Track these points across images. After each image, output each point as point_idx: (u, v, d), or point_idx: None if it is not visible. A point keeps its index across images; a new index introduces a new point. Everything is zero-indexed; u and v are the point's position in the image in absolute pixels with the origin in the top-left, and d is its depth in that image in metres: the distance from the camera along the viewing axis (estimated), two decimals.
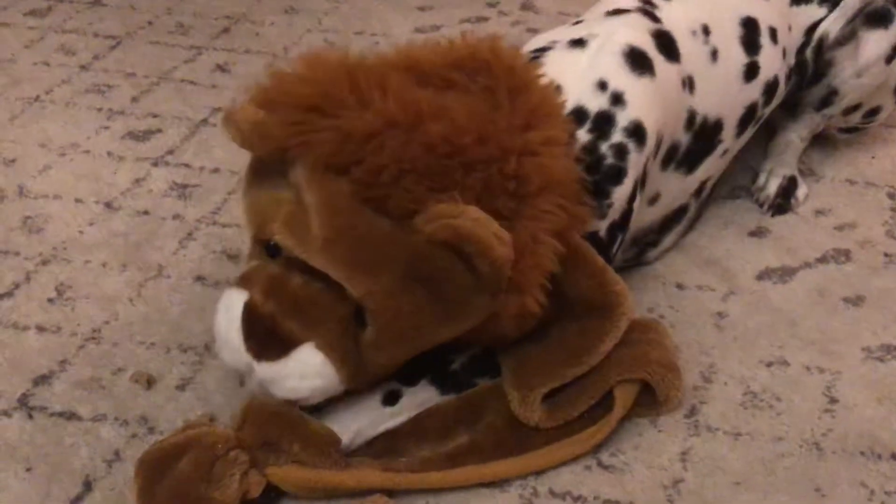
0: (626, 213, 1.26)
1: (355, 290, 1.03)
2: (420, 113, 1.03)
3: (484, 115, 1.06)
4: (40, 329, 1.34)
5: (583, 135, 1.21)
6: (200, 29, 2.11)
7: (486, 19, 2.12)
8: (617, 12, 1.35)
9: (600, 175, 1.20)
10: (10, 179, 1.63)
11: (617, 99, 1.23)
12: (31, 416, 1.21)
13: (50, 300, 1.39)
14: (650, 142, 1.25)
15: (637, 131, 1.24)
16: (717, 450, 1.17)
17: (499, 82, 1.10)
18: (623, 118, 1.23)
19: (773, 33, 1.43)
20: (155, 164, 1.67)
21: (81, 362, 1.29)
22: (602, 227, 1.22)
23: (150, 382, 1.25)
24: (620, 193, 1.22)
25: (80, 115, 1.81)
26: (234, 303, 1.07)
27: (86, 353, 1.30)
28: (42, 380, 1.26)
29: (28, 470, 1.14)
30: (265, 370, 1.06)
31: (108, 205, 1.58)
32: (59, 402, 1.23)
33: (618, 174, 1.22)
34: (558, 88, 1.20)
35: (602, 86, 1.24)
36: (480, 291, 1.03)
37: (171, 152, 1.70)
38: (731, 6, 1.42)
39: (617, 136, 1.23)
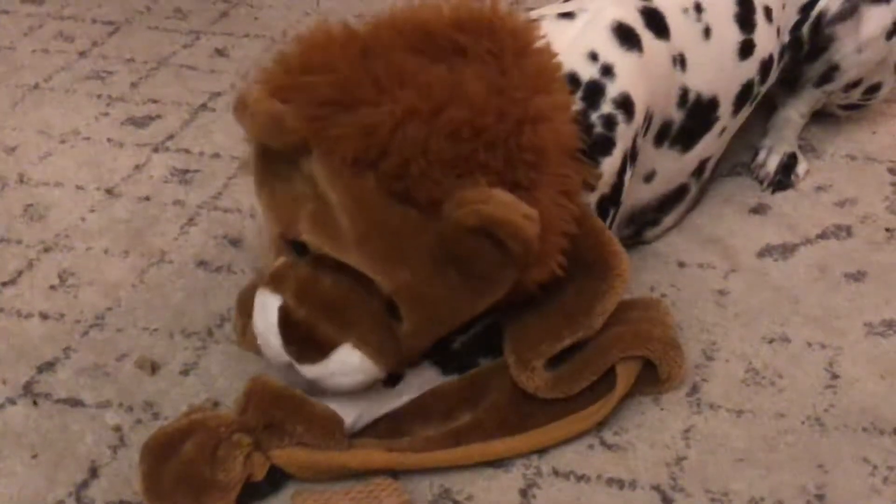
0: (617, 188, 1.26)
1: (390, 283, 1.03)
2: (440, 98, 1.02)
3: (497, 85, 1.06)
4: (44, 316, 1.34)
5: (576, 101, 1.21)
6: (199, 13, 2.11)
7: None
8: None
9: (590, 144, 1.20)
10: (10, 167, 1.63)
11: (607, 70, 1.24)
12: (35, 403, 1.21)
13: (52, 287, 1.39)
14: (638, 116, 1.25)
15: (625, 103, 1.24)
16: (720, 427, 1.17)
17: (504, 45, 1.10)
18: (612, 89, 1.23)
19: (768, 12, 1.43)
20: (155, 150, 1.67)
21: (85, 349, 1.29)
22: (592, 200, 1.22)
23: (153, 368, 1.26)
24: (609, 165, 1.22)
25: (79, 101, 1.81)
26: (269, 306, 1.07)
27: (89, 340, 1.31)
28: (46, 367, 1.27)
29: (34, 457, 1.15)
30: (308, 371, 1.07)
31: (109, 191, 1.58)
32: (64, 388, 1.24)
33: (607, 144, 1.22)
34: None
35: (593, 56, 1.24)
36: (510, 266, 1.04)
37: (171, 138, 1.70)
38: None
39: (606, 107, 1.23)
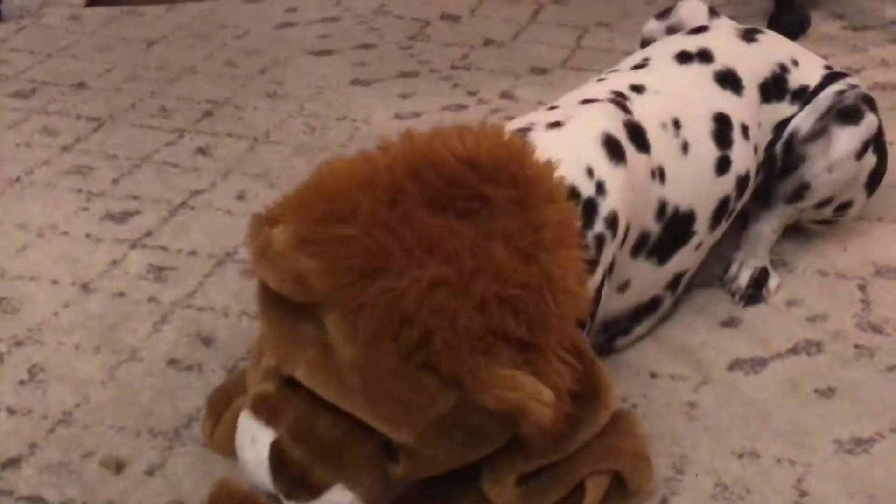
0: (595, 301, 1.26)
1: (397, 438, 1.02)
2: (467, 267, 1.02)
3: (523, 248, 1.05)
4: (11, 412, 1.33)
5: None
6: (183, 112, 2.13)
7: (465, 107, 2.15)
8: (590, 101, 1.37)
9: None
10: None
11: (600, 187, 1.25)
12: None
13: (21, 382, 1.38)
14: (621, 231, 1.27)
15: (613, 221, 1.25)
16: None
17: (526, 193, 1.09)
18: (604, 207, 1.24)
19: (745, 129, 1.46)
20: (133, 246, 1.68)
21: (51, 446, 1.28)
22: None
23: (119, 467, 1.24)
24: (591, 283, 1.23)
25: (59, 196, 1.82)
26: (260, 440, 1.05)
27: (55, 437, 1.29)
28: (10, 463, 1.25)
29: None
30: None
31: (84, 286, 1.58)
32: (27, 486, 1.22)
33: (592, 265, 1.22)
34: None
35: (589, 172, 1.25)
36: (511, 432, 1.05)
37: (148, 234, 1.71)
38: (702, 102, 1.45)
39: (598, 226, 1.24)
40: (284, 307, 1.04)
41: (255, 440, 1.06)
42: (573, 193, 1.22)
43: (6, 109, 2.13)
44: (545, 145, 1.24)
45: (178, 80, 2.28)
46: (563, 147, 1.25)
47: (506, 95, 2.21)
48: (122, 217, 1.76)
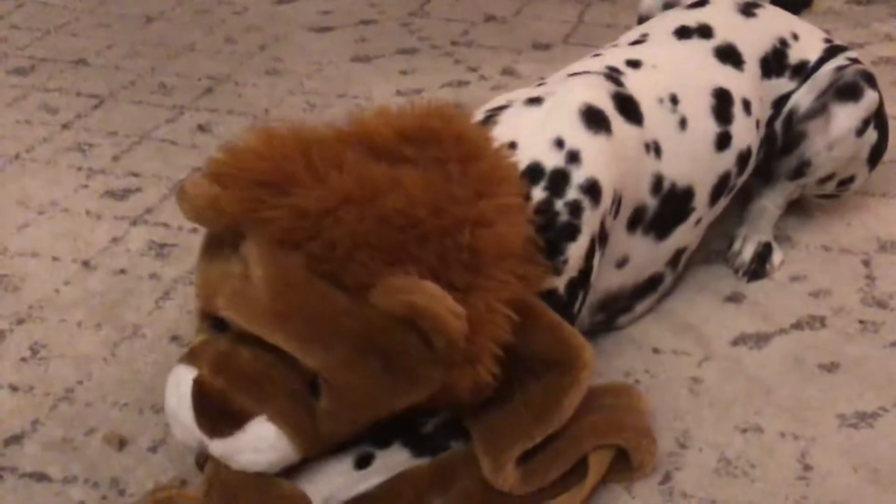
0: (586, 271, 1.26)
1: (310, 363, 1.03)
2: (375, 187, 1.04)
3: (437, 186, 1.07)
4: (13, 388, 1.33)
5: (538, 192, 1.22)
6: (183, 89, 2.12)
7: (466, 84, 2.14)
8: (578, 75, 1.37)
9: (555, 233, 1.21)
10: None
11: (573, 157, 1.24)
12: (1, 478, 1.20)
13: (24, 359, 1.38)
14: (606, 199, 1.26)
15: (592, 188, 1.24)
16: None
17: (448, 152, 1.11)
18: (578, 176, 1.24)
19: (747, 105, 1.45)
20: (133, 223, 1.67)
21: (53, 423, 1.28)
22: (560, 284, 1.22)
23: (121, 444, 1.24)
24: (575, 250, 1.23)
25: (60, 173, 1.81)
26: (182, 379, 1.06)
27: (58, 414, 1.29)
28: (13, 440, 1.25)
29: None
30: (219, 446, 1.05)
31: (85, 263, 1.57)
32: (30, 463, 1.22)
33: (572, 231, 1.22)
34: (513, 145, 1.22)
35: (559, 143, 1.25)
36: (434, 364, 1.04)
37: (149, 211, 1.70)
38: (702, 77, 1.44)
39: (572, 194, 1.23)
40: (215, 250, 1.07)
41: (179, 382, 1.07)
42: (537, 169, 1.22)
43: (5, 86, 2.12)
44: (515, 121, 1.26)
45: (177, 56, 2.27)
46: (533, 122, 1.26)
47: (507, 71, 2.20)
48: (123, 194, 1.75)
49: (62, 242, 1.62)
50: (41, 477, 1.20)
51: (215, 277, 1.07)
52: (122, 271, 1.56)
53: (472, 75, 2.19)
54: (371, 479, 1.14)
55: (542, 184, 1.22)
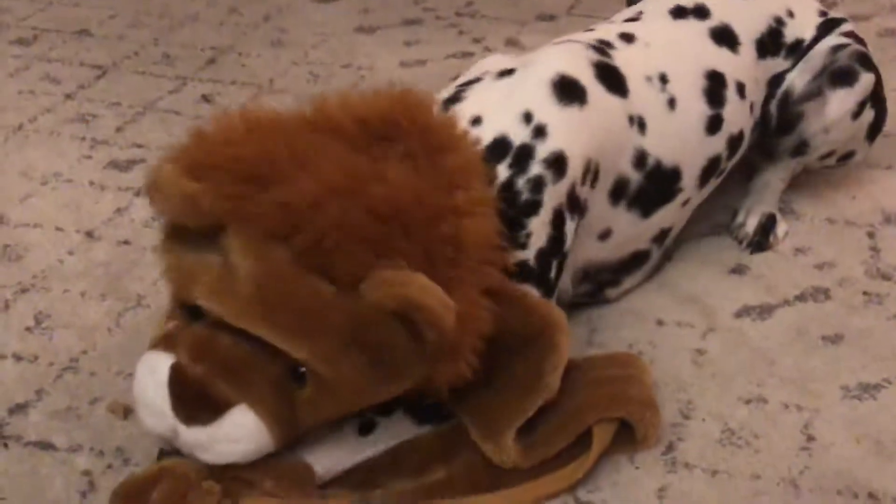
0: (556, 239, 1.24)
1: (296, 354, 1.01)
2: (360, 177, 1.02)
3: (415, 178, 1.06)
4: (17, 358, 1.33)
5: (503, 170, 1.21)
6: (186, 60, 2.12)
7: (471, 55, 2.13)
8: (560, 43, 1.36)
9: (516, 210, 1.20)
10: None
11: (539, 131, 1.23)
12: (6, 446, 1.20)
13: (28, 329, 1.38)
14: (574, 169, 1.24)
15: (557, 161, 1.22)
16: (695, 487, 1.17)
17: (415, 146, 1.09)
18: (543, 150, 1.22)
19: (741, 87, 1.45)
20: (137, 194, 1.67)
21: (58, 392, 1.28)
22: (529, 255, 1.21)
23: (126, 413, 1.24)
24: (537, 222, 1.21)
25: (63, 144, 1.81)
26: (159, 366, 1.03)
27: (63, 383, 1.29)
28: (18, 409, 1.25)
29: (2, 500, 1.13)
30: (195, 435, 1.03)
31: (88, 234, 1.57)
32: (35, 431, 1.22)
33: (533, 206, 1.21)
34: (477, 120, 1.22)
35: (527, 117, 1.23)
36: (420, 358, 1.03)
37: None
38: (695, 59, 1.43)
39: (535, 170, 1.22)
40: (188, 239, 1.04)
41: (154, 369, 1.04)
42: (503, 143, 1.21)
43: (7, 57, 2.11)
44: (481, 96, 1.25)
45: (180, 27, 2.26)
46: (501, 96, 1.25)
47: (511, 43, 2.19)
48: (127, 165, 1.75)
49: (65, 213, 1.62)
50: (46, 445, 1.20)
51: (191, 265, 1.04)
52: (126, 242, 1.56)
53: (476, 46, 2.18)
54: (374, 445, 1.15)
55: (507, 160, 1.21)
